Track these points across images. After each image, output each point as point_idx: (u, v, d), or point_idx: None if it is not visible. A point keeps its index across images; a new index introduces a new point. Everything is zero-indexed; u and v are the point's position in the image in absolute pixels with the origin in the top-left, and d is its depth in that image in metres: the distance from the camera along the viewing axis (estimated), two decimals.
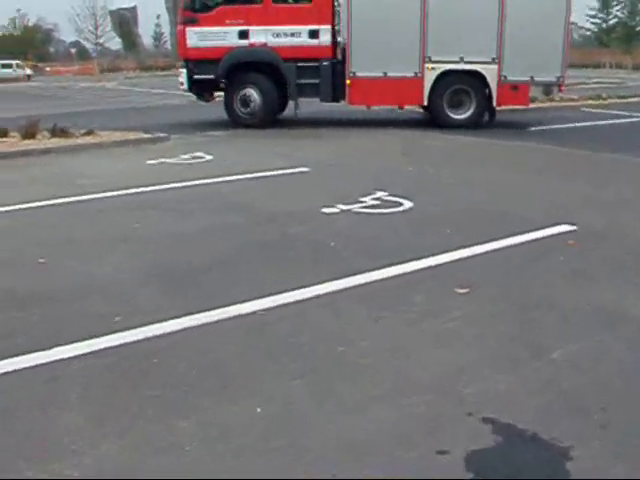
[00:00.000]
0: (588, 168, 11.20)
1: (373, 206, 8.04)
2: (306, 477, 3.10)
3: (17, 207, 8.21)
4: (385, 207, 7.98)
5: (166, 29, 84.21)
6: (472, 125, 15.70)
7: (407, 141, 14.21)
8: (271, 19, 15.39)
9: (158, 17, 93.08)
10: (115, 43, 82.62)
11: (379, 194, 8.60)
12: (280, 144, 13.87)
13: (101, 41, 68.52)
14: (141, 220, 7.54)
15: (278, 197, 8.74)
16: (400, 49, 15.24)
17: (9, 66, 70.67)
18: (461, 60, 15.39)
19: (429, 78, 15.52)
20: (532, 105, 21.27)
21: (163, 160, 11.56)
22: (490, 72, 15.40)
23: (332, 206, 7.98)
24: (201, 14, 15.65)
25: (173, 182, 9.50)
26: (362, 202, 8.20)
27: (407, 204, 8.11)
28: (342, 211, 7.83)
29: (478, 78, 15.59)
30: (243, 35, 15.55)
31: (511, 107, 19.97)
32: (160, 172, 10.60)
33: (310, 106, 17.10)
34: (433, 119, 16.24)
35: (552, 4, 15.04)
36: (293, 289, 5.29)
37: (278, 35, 15.45)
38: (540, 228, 7.03)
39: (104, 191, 8.97)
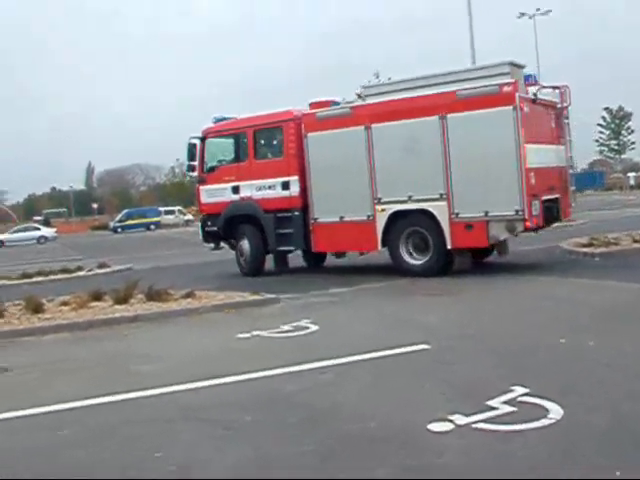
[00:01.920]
0: None
1: (504, 417, 5.52)
2: None
3: (30, 412, 6.57)
4: (521, 420, 5.42)
5: None
6: (433, 272, 13.93)
7: (550, 293, 11.34)
8: (254, 174, 16.50)
9: None
10: None
11: (517, 392, 6.08)
12: (409, 305, 11.59)
13: None
14: (168, 444, 5.44)
15: (376, 397, 6.39)
16: (353, 192, 14.81)
17: (172, 212, 73.65)
18: (409, 199, 14.13)
19: (381, 221, 14.50)
20: None
21: (257, 333, 9.56)
22: (440, 209, 13.73)
23: (445, 418, 5.54)
24: (208, 174, 17.57)
25: (250, 371, 7.42)
26: (490, 408, 5.71)
27: (554, 412, 5.53)
28: (457, 427, 5.37)
29: (430, 218, 13.95)
30: (235, 190, 16.94)
31: None
32: (244, 353, 8.59)
33: None
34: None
35: (498, 128, 13.00)
36: None
37: (259, 188, 16.41)
38: None
39: (155, 386, 7.07)
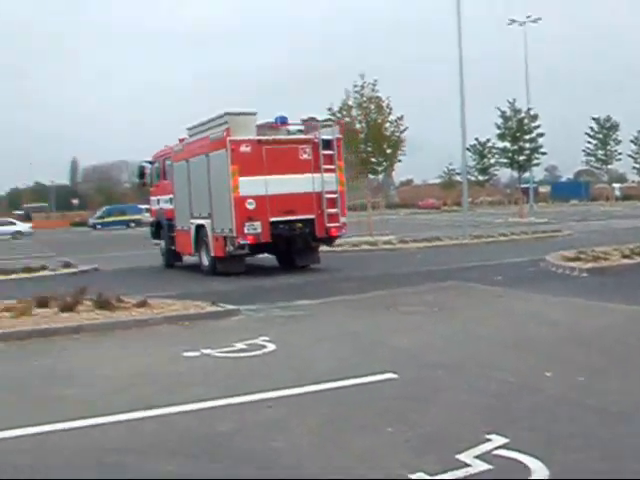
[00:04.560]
0: None
1: (476, 478, 4.56)
2: None
3: None
4: None
5: None
6: (208, 272, 17.95)
7: (538, 314, 10.21)
8: (163, 191, 22.18)
9: None
10: None
11: (493, 442, 5.09)
12: (382, 322, 10.52)
13: None
14: None
15: (326, 444, 5.31)
16: (184, 209, 19.73)
17: None
18: (199, 216, 18.66)
19: (192, 231, 19.00)
20: None
21: (207, 351, 8.50)
22: (208, 225, 18.02)
23: (406, 478, 4.56)
24: (153, 187, 23.63)
25: (185, 402, 6.39)
26: (460, 465, 4.71)
27: (538, 473, 4.57)
28: None
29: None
30: (158, 202, 22.80)
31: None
32: (185, 377, 7.50)
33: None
34: None
35: (223, 166, 17.08)
36: None
37: (165, 202, 21.84)
38: None
39: (68, 419, 6.01)
